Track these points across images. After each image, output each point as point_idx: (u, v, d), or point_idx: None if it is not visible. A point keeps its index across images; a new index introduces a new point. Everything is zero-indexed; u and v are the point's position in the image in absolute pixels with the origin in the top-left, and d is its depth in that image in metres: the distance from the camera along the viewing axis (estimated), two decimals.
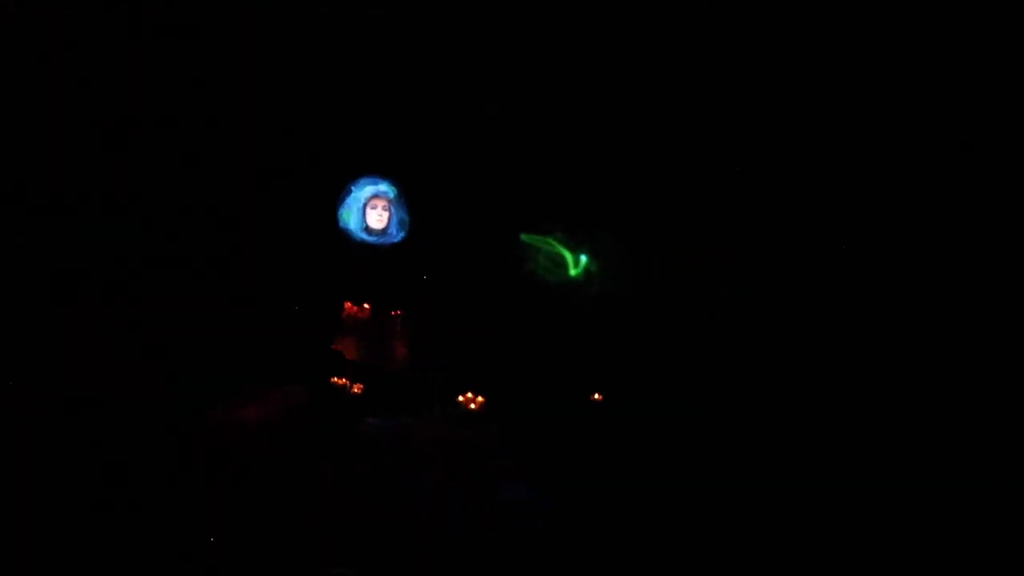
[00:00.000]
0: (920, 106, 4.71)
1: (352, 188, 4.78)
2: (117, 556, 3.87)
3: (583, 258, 4.93)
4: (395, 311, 4.84)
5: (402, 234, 4.82)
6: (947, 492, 4.15)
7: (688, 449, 4.45)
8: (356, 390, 4.62)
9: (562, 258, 4.92)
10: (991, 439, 4.24)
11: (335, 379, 4.60)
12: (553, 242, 4.93)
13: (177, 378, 4.40)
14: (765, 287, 4.82)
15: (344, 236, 4.78)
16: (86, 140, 4.76)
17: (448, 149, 4.93)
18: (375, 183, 4.78)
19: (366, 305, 4.82)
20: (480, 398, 4.64)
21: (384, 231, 4.78)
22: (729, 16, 4.85)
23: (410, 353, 4.79)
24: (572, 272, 4.92)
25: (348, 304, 4.80)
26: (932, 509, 4.13)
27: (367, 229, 4.77)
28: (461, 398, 4.64)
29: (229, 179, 4.81)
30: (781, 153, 4.90)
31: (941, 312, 4.56)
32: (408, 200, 4.84)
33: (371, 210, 4.76)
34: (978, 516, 4.07)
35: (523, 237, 4.93)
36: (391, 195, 4.79)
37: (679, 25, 4.88)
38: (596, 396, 4.74)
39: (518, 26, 4.89)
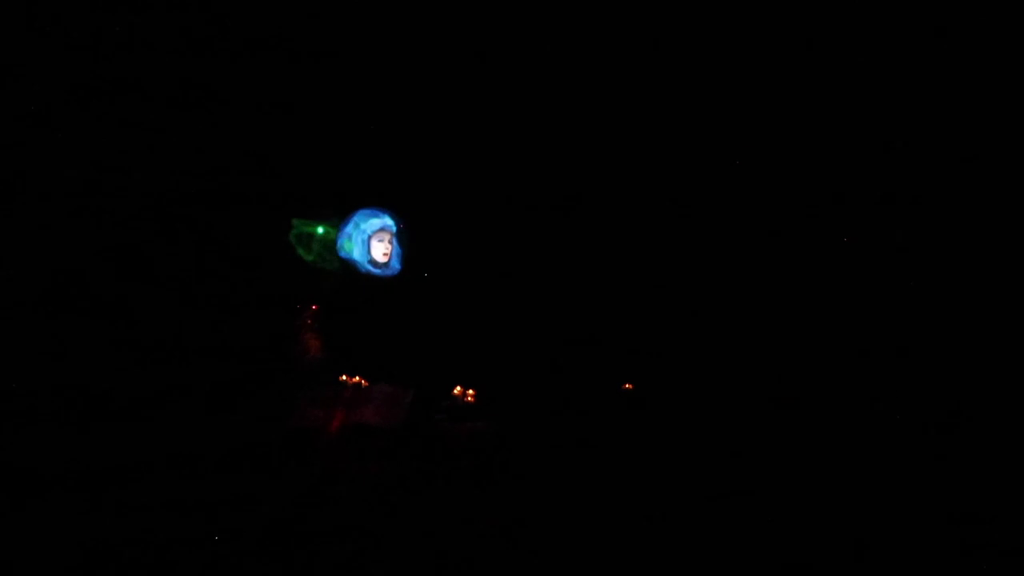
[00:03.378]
0: (918, 105, 4.86)
1: (356, 220, 4.90)
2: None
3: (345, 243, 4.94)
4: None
5: (399, 267, 4.97)
6: (947, 492, 4.28)
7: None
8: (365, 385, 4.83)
9: (335, 244, 4.95)
10: (991, 439, 4.45)
11: (344, 377, 4.77)
12: (328, 230, 4.94)
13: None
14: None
15: (349, 266, 4.90)
16: (86, 140, 4.73)
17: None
18: (379, 216, 4.92)
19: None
20: (471, 391, 4.86)
21: (387, 264, 4.92)
22: None
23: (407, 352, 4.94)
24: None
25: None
26: (932, 509, 4.24)
27: (372, 262, 4.90)
28: (456, 391, 4.85)
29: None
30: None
31: (941, 311, 4.76)
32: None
33: (377, 243, 4.90)
34: (978, 516, 4.18)
35: (295, 224, 4.92)
36: (394, 229, 4.93)
37: None
38: (627, 385, 4.94)
39: None
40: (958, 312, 4.78)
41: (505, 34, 4.93)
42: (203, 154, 4.84)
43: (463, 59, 4.97)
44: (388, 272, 4.94)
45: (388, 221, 4.92)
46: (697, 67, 5.01)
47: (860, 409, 4.69)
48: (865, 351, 4.78)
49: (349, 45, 4.92)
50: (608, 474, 4.48)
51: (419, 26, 4.93)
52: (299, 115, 4.94)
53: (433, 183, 5.00)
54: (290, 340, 4.86)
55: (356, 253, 4.89)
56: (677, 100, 5.04)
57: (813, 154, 4.99)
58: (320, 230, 4.90)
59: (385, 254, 4.90)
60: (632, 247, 5.02)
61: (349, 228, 4.90)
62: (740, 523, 4.26)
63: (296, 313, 4.92)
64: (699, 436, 4.67)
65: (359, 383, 4.77)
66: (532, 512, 4.24)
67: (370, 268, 4.90)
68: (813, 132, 4.98)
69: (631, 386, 4.93)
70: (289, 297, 4.92)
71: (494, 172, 5.04)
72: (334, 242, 4.90)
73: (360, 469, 4.39)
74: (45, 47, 4.72)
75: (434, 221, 5.00)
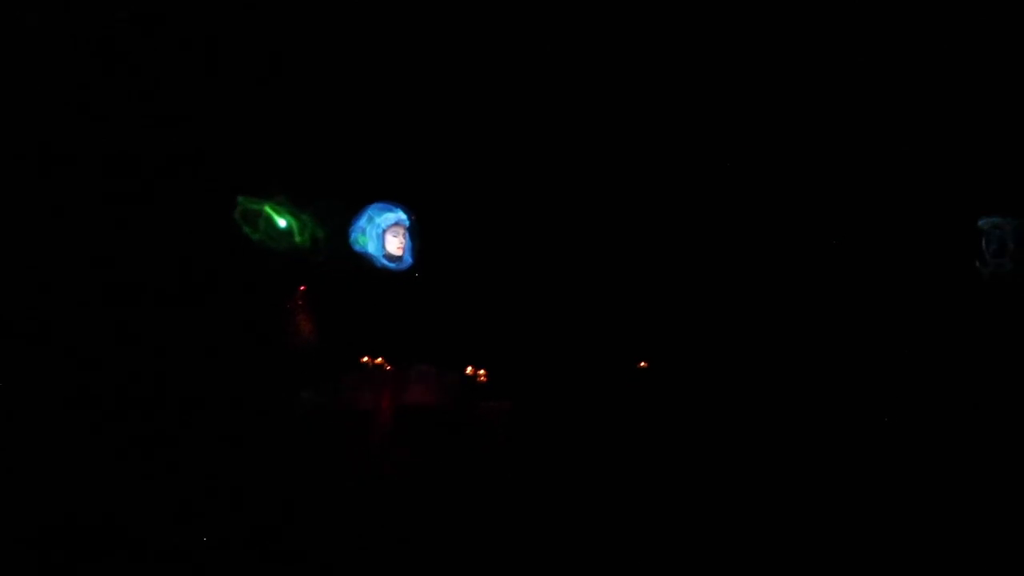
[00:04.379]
0: (916, 105, 4.90)
1: (370, 214, 4.94)
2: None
3: (308, 223, 4.91)
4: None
5: (411, 260, 5.02)
6: (947, 492, 4.36)
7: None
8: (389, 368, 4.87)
9: (286, 224, 4.91)
10: (991, 439, 4.49)
11: (365, 359, 4.82)
12: (275, 208, 4.88)
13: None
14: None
15: (363, 260, 4.95)
16: (86, 140, 4.72)
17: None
18: (393, 210, 4.96)
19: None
20: (483, 371, 4.92)
21: (400, 258, 4.97)
22: None
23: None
24: (297, 239, 4.92)
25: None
26: (932, 508, 4.33)
27: (387, 255, 4.95)
28: (468, 371, 4.90)
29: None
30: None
31: (939, 311, 4.81)
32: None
33: (392, 237, 4.94)
34: (978, 516, 4.26)
35: (241, 201, 4.84)
36: (407, 223, 4.98)
37: None
38: (641, 364, 4.97)
39: None
40: (957, 312, 4.86)
41: (517, 27, 4.98)
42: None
43: (476, 52, 5.01)
44: (401, 266, 4.99)
45: (402, 215, 4.96)
46: (698, 67, 5.07)
47: (864, 404, 4.77)
48: (869, 347, 4.87)
49: (363, 43, 4.96)
50: (623, 455, 4.59)
51: (431, 22, 4.98)
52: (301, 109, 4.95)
53: (443, 176, 5.03)
54: (295, 324, 4.89)
55: (371, 247, 4.93)
56: (678, 98, 5.09)
57: (812, 153, 5.06)
58: (267, 208, 4.84)
59: (399, 248, 4.95)
60: (644, 232, 5.07)
61: (363, 222, 4.94)
62: (752, 505, 4.39)
63: (289, 296, 4.94)
64: (713, 415, 4.74)
65: (383, 364, 4.82)
66: (553, 493, 4.35)
67: (385, 262, 4.95)
68: (812, 132, 5.03)
69: (646, 364, 4.99)
70: (279, 280, 4.92)
71: (501, 164, 5.07)
72: (287, 222, 4.86)
73: (418, 449, 4.47)
74: None
75: (446, 214, 5.04)
